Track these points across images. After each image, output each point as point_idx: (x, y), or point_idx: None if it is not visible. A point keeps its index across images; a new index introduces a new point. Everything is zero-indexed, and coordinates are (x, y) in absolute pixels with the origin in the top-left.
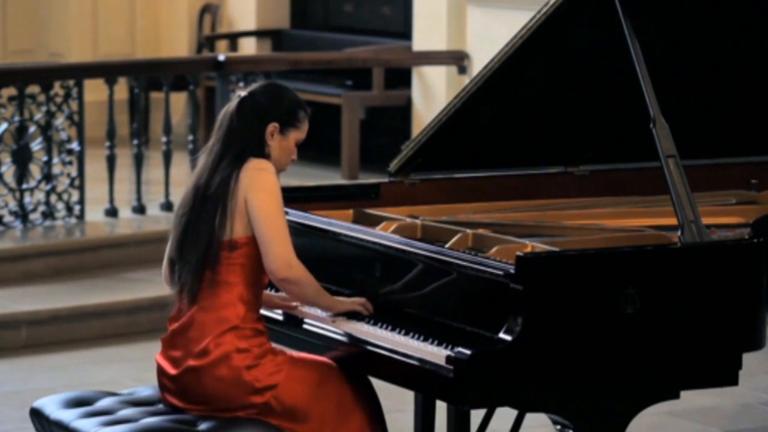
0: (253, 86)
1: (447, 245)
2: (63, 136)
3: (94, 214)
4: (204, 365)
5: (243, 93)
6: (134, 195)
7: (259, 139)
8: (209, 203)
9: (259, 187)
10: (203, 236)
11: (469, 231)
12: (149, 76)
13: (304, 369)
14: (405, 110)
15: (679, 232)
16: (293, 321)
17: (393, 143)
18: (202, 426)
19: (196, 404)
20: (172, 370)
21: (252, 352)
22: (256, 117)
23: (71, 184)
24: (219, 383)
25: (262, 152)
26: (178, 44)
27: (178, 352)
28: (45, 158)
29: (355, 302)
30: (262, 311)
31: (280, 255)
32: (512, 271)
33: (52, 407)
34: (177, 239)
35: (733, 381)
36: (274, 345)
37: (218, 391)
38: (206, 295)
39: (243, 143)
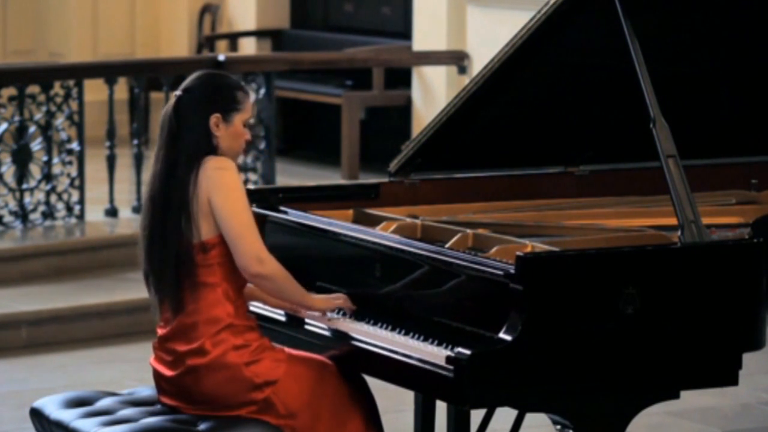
0: (186, 82)
1: (447, 245)
2: (63, 136)
3: (94, 214)
4: (203, 365)
5: (177, 92)
6: (134, 195)
7: (205, 134)
8: (171, 210)
9: (221, 186)
10: (171, 244)
11: (469, 231)
12: (149, 76)
13: (303, 367)
14: (405, 110)
15: (679, 232)
16: (294, 321)
17: (393, 143)
18: (202, 426)
19: (196, 404)
20: (168, 372)
21: (249, 347)
22: (195, 113)
23: (71, 184)
24: (218, 382)
25: (211, 145)
26: (178, 44)
27: (171, 356)
28: (45, 158)
29: (333, 300)
30: (263, 310)
31: (250, 250)
32: (512, 271)
33: (52, 407)
34: (145, 252)
35: (733, 381)
36: (270, 342)
37: (218, 390)
38: (190, 300)
39: (190, 142)
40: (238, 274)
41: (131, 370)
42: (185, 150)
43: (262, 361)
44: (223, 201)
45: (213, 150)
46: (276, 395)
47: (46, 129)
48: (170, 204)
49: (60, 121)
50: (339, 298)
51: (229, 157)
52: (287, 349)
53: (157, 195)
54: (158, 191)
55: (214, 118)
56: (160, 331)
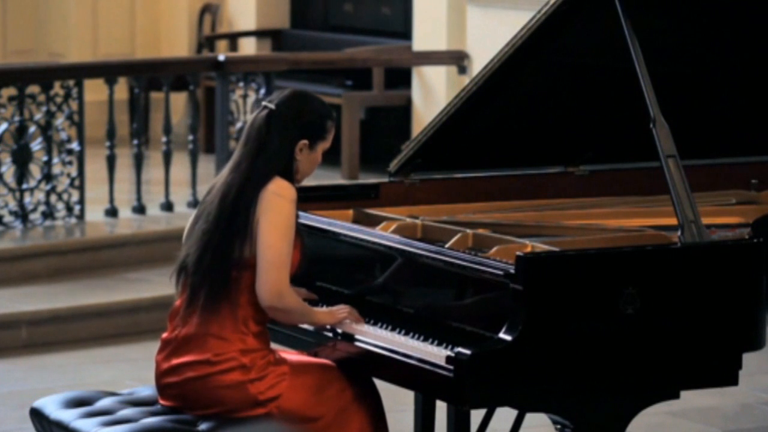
0: (279, 97)
1: (447, 245)
2: (63, 136)
3: (94, 214)
4: (207, 375)
5: (269, 105)
6: (134, 195)
7: (288, 156)
8: (234, 224)
9: (271, 213)
10: (223, 258)
11: (469, 231)
12: (149, 76)
13: (306, 375)
14: (405, 110)
15: (679, 232)
16: None
17: (393, 143)
18: (202, 426)
19: (197, 410)
20: (172, 378)
21: (255, 366)
22: (285, 134)
23: (71, 184)
24: (221, 396)
25: (290, 168)
26: (178, 44)
27: (178, 359)
28: (45, 158)
29: (338, 313)
30: None
31: (274, 283)
32: (512, 271)
33: (52, 407)
34: (197, 252)
35: (733, 381)
36: (275, 351)
37: (220, 403)
38: (214, 309)
39: (272, 160)
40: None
41: (131, 370)
42: (265, 166)
43: (265, 378)
44: (268, 226)
45: (290, 172)
46: (279, 408)
47: (46, 129)
48: (237, 217)
49: (60, 121)
50: (343, 311)
51: (299, 177)
52: (290, 358)
53: (229, 204)
54: (231, 201)
55: (301, 144)
56: (173, 330)
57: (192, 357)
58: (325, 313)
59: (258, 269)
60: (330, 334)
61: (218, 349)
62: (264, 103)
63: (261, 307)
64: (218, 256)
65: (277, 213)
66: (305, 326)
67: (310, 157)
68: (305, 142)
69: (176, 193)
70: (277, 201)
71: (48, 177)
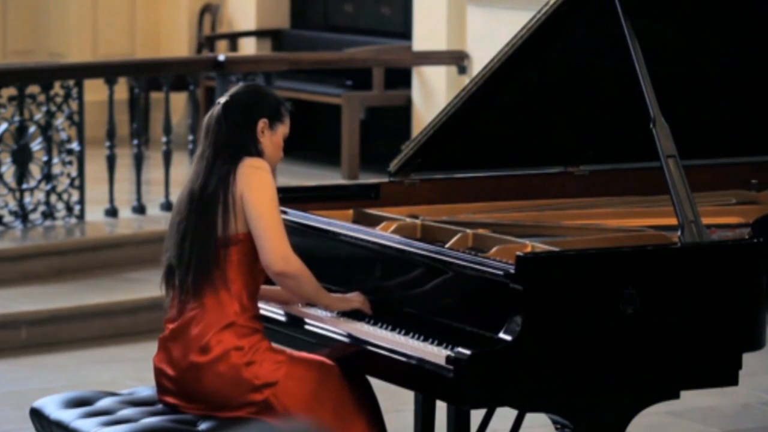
0: (233, 90)
1: (447, 245)
2: (63, 136)
3: (94, 214)
4: (205, 362)
5: (223, 99)
6: (134, 195)
7: (253, 138)
8: (209, 203)
9: (255, 185)
10: (204, 236)
11: (469, 231)
12: (149, 76)
13: (304, 368)
14: (405, 110)
15: (679, 232)
16: (295, 321)
17: (393, 143)
18: (202, 426)
19: (196, 403)
20: (171, 371)
21: (249, 349)
22: (244, 116)
23: (71, 184)
24: (218, 381)
25: (257, 150)
26: (178, 44)
27: (177, 352)
28: (45, 158)
29: (354, 301)
30: (264, 311)
31: (276, 248)
32: (512, 271)
33: (52, 407)
34: (176, 244)
35: (733, 381)
36: (273, 344)
37: (217, 389)
38: (207, 292)
39: (237, 144)
40: (253, 276)
41: (131, 370)
42: (230, 149)
43: (262, 363)
44: (255, 198)
45: (258, 154)
46: (275, 397)
47: (46, 129)
48: (209, 196)
49: (60, 121)
50: (354, 300)
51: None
52: (289, 351)
53: (197, 189)
54: (199, 186)
55: (262, 123)
56: (169, 326)
57: (192, 344)
58: (336, 298)
59: (257, 242)
60: (331, 335)
61: (213, 326)
62: (218, 100)
63: (248, 280)
64: (198, 237)
65: (260, 183)
66: (316, 325)
67: (273, 141)
68: (265, 120)
69: (176, 193)
70: (256, 173)
71: (48, 177)
